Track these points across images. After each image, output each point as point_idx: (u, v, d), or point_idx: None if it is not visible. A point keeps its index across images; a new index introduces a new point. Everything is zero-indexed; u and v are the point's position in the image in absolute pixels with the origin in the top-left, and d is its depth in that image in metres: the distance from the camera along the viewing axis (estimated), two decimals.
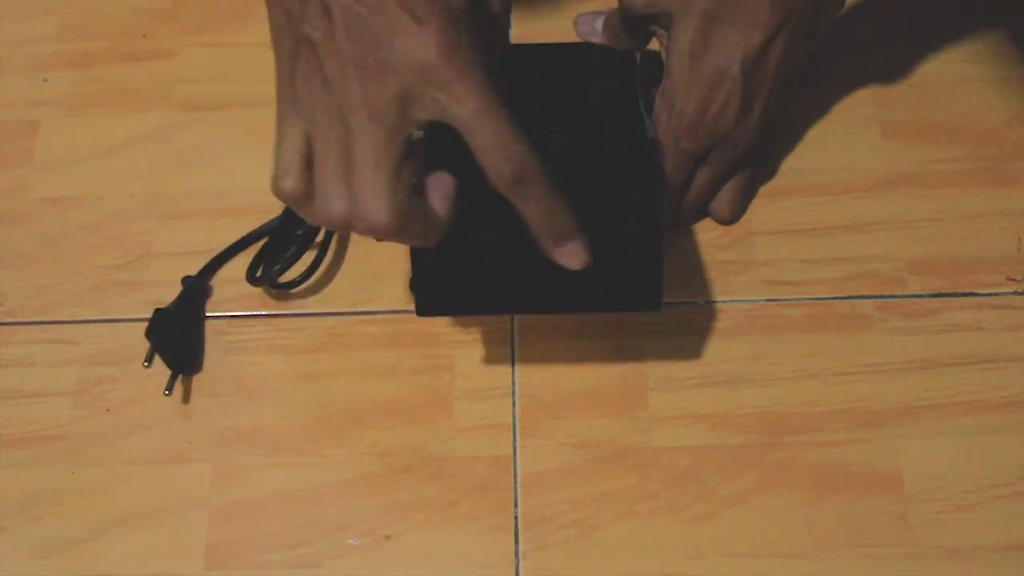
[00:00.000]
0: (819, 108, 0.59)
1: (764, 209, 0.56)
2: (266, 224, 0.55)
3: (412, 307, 0.54)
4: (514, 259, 0.45)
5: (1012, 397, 0.51)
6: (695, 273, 0.54)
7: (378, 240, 0.39)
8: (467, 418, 0.52)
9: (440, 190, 0.40)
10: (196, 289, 0.54)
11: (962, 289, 0.54)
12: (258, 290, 0.55)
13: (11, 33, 0.63)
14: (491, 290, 0.46)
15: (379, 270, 0.55)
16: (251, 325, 0.54)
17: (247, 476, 0.51)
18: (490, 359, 0.53)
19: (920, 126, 0.58)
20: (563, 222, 0.40)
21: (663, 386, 0.52)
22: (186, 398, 0.52)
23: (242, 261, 0.55)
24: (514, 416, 0.52)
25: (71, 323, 0.54)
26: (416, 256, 0.44)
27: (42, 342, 0.54)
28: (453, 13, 0.36)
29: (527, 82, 0.52)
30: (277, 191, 0.39)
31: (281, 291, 0.54)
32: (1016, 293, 0.54)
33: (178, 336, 0.53)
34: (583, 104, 0.51)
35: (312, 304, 0.55)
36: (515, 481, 0.50)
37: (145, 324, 0.52)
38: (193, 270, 0.55)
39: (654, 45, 0.54)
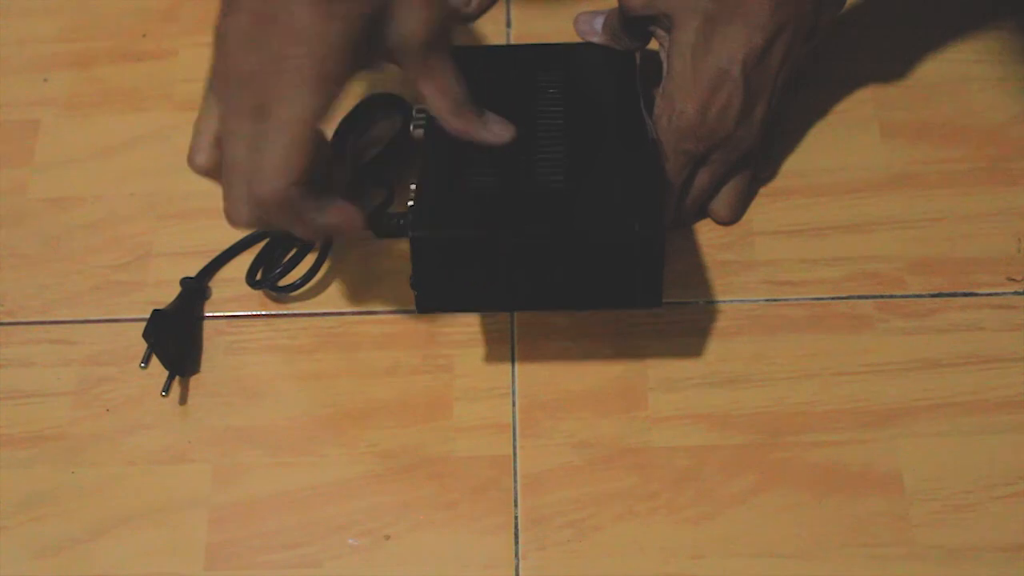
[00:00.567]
0: (819, 108, 0.59)
1: (764, 209, 0.56)
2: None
3: (412, 307, 0.54)
4: (515, 255, 0.45)
5: (1012, 397, 0.51)
6: (695, 273, 0.54)
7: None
8: (467, 418, 0.52)
9: (342, 208, 0.43)
10: (195, 290, 0.54)
11: (962, 289, 0.54)
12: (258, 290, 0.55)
13: (11, 33, 0.63)
14: (492, 286, 0.46)
15: (379, 270, 0.55)
16: (251, 325, 0.54)
17: (247, 476, 0.51)
18: (490, 359, 0.53)
19: (920, 126, 0.58)
20: (470, 104, 0.45)
21: (663, 386, 0.52)
22: (183, 399, 0.52)
23: (243, 260, 0.55)
24: (514, 416, 0.52)
25: (71, 323, 0.54)
26: (417, 253, 0.44)
27: (42, 342, 0.54)
28: None
29: (527, 82, 0.52)
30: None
31: (281, 294, 0.54)
32: (1016, 293, 0.54)
33: (176, 337, 0.53)
34: (583, 104, 0.51)
35: (312, 304, 0.55)
36: (515, 481, 0.50)
37: (145, 324, 0.52)
38: (193, 270, 0.55)
39: (653, 46, 0.54)
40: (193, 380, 0.53)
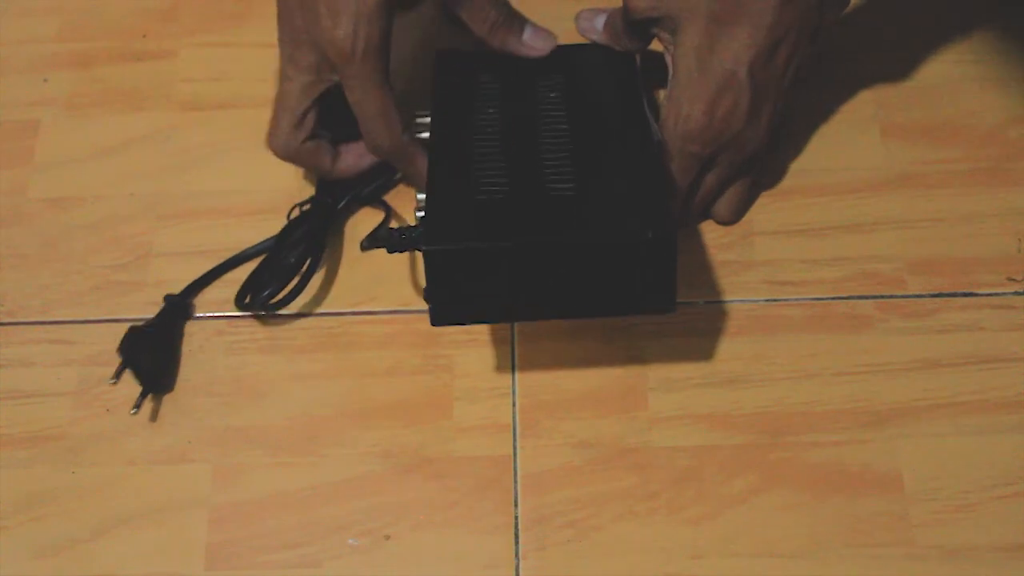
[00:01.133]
0: (819, 108, 0.59)
1: (765, 209, 0.56)
2: (256, 245, 0.55)
3: (412, 307, 0.54)
4: (530, 265, 0.45)
5: (1012, 397, 0.51)
6: (695, 273, 0.54)
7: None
8: (467, 418, 0.52)
9: (342, 151, 0.54)
10: (177, 307, 0.54)
11: (962, 289, 0.54)
12: None
13: (11, 33, 0.63)
14: (505, 298, 0.46)
15: (379, 271, 0.55)
16: (251, 325, 0.54)
17: (247, 476, 0.51)
18: (490, 359, 0.53)
19: (920, 126, 0.58)
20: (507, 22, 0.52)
21: (663, 386, 0.52)
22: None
23: (243, 259, 0.55)
24: (514, 416, 0.52)
25: (71, 323, 0.54)
26: (431, 267, 0.44)
27: (42, 342, 0.54)
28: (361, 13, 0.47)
29: (528, 86, 0.52)
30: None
31: (271, 311, 0.54)
32: (1016, 293, 0.54)
33: (152, 354, 0.53)
34: (586, 107, 0.51)
35: (312, 304, 0.55)
36: (515, 481, 0.50)
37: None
38: (193, 270, 0.55)
39: (654, 46, 0.54)
40: (193, 380, 0.53)
